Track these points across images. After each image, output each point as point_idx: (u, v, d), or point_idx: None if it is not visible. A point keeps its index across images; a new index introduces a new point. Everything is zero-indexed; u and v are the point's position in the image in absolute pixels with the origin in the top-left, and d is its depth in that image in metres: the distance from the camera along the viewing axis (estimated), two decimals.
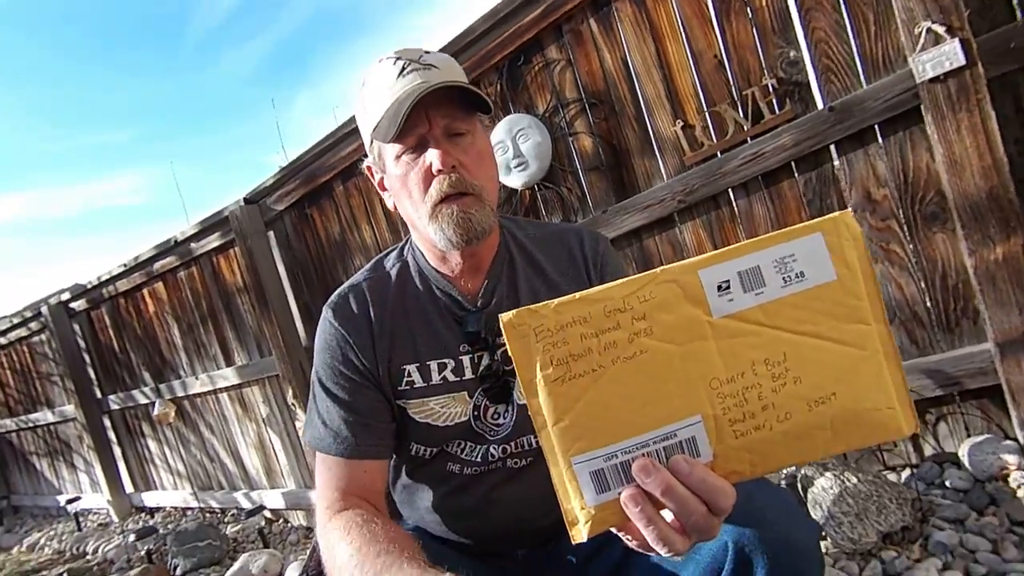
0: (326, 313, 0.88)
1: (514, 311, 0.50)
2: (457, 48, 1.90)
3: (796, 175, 1.56)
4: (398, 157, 0.81)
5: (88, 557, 3.64)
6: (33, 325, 4.34)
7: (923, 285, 1.47)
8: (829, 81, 1.48)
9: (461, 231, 0.79)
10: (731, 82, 1.60)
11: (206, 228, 2.84)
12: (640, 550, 0.52)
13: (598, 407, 0.49)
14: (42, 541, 4.30)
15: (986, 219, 1.30)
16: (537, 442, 0.76)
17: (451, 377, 0.85)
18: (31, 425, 4.90)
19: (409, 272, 0.91)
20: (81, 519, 4.38)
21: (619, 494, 0.49)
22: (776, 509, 0.70)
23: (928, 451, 1.54)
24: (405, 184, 0.81)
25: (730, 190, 1.65)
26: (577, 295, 0.50)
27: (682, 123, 1.67)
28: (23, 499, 5.43)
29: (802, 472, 1.54)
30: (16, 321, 4.44)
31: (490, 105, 0.82)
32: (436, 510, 0.90)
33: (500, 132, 1.93)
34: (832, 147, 1.50)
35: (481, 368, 0.85)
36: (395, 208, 0.88)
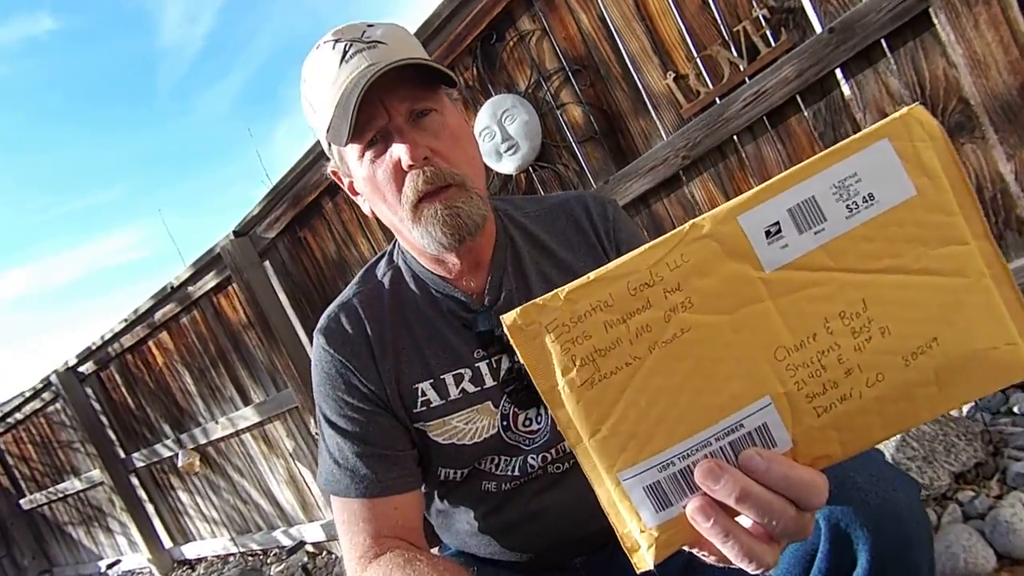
0: (318, 340, 0.79)
1: (517, 309, 0.41)
2: (425, 35, 1.81)
3: (803, 108, 1.46)
4: (360, 157, 0.71)
5: None
6: (46, 395, 4.28)
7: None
8: (824, 1, 1.38)
9: (450, 230, 0.69)
10: (719, 20, 1.50)
11: (200, 269, 2.77)
12: (721, 564, 0.43)
13: (641, 407, 0.40)
14: None
15: (1021, 117, 1.20)
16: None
17: (470, 388, 0.76)
18: (61, 495, 4.86)
19: (403, 278, 0.81)
20: None
21: (684, 508, 0.40)
22: (867, 472, 0.61)
23: None
24: (376, 187, 0.72)
25: (735, 136, 1.55)
26: (591, 276, 0.41)
27: (673, 74, 1.58)
28: (65, 570, 5.40)
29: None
30: (28, 395, 4.38)
31: (453, 77, 0.73)
32: (479, 532, 0.81)
33: (484, 117, 1.84)
34: (838, 71, 1.40)
35: (502, 372, 0.76)
36: (372, 213, 0.79)
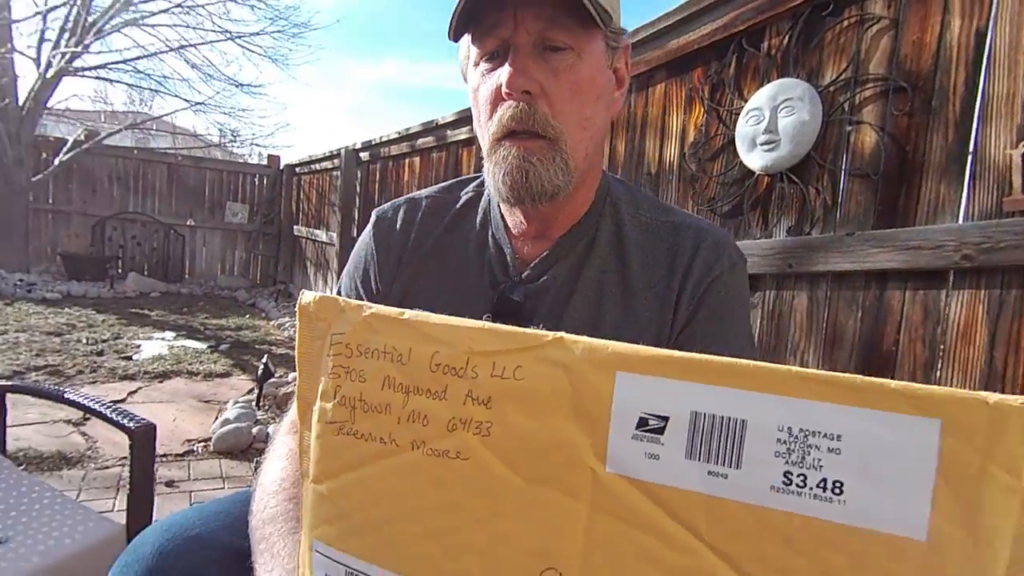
0: (372, 219, 0.78)
1: (318, 295, 0.33)
2: None
3: None
4: (476, 63, 0.63)
5: None
6: (336, 162, 5.29)
7: None
8: None
9: (511, 182, 0.60)
10: None
11: (459, 119, 3.00)
12: None
13: (371, 497, 0.30)
14: (287, 324, 5.45)
15: None
16: None
17: None
18: (312, 238, 6.13)
19: (477, 208, 0.74)
20: None
21: None
22: None
23: None
24: (476, 103, 0.64)
25: None
26: (407, 314, 0.31)
27: None
28: (293, 289, 6.95)
29: None
30: (326, 154, 5.47)
31: (614, 27, 0.58)
32: None
33: (762, 96, 1.55)
34: None
35: None
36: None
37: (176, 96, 7.67)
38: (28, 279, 5.98)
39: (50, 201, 6.76)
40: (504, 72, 0.59)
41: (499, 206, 0.71)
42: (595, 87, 0.62)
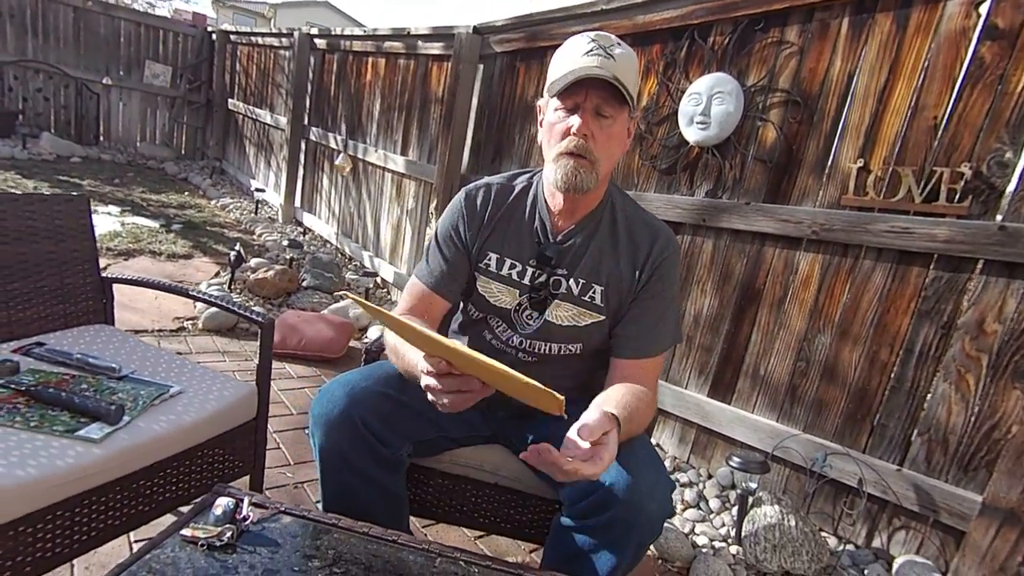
0: (462, 193, 1.20)
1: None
2: None
3: (931, 268, 1.56)
4: (556, 109, 1.05)
5: (253, 236, 4.70)
6: (284, 41, 5.15)
7: (971, 422, 1.50)
8: (1022, 200, 1.41)
9: (566, 179, 1.03)
10: (933, 149, 1.55)
11: (435, 35, 3.19)
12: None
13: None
14: (231, 206, 5.52)
15: None
16: (544, 348, 1.08)
17: (514, 276, 1.16)
18: (253, 117, 6.01)
19: (528, 193, 1.18)
20: (259, 206, 5.52)
21: None
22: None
23: (876, 543, 1.68)
24: (551, 129, 1.06)
25: (864, 248, 1.68)
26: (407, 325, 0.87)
27: (862, 163, 1.67)
28: (228, 167, 6.83)
29: (757, 494, 1.76)
30: (275, 32, 5.27)
31: (635, 108, 1.02)
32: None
33: (702, 84, 2.00)
34: (980, 262, 1.48)
35: (535, 281, 1.14)
36: (538, 140, 1.14)
37: None
38: None
39: None
40: (576, 120, 1.02)
41: (543, 193, 1.16)
42: (619, 138, 1.07)
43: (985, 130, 1.46)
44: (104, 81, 6.87)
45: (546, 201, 1.15)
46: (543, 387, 0.72)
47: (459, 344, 0.80)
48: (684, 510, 1.90)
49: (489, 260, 1.17)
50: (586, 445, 0.81)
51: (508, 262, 1.16)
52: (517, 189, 1.19)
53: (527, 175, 1.22)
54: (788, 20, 1.83)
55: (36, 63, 6.45)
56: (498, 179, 1.22)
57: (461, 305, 1.27)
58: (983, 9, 1.47)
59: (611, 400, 0.97)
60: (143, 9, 8.16)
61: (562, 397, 0.73)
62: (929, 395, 1.58)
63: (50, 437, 1.02)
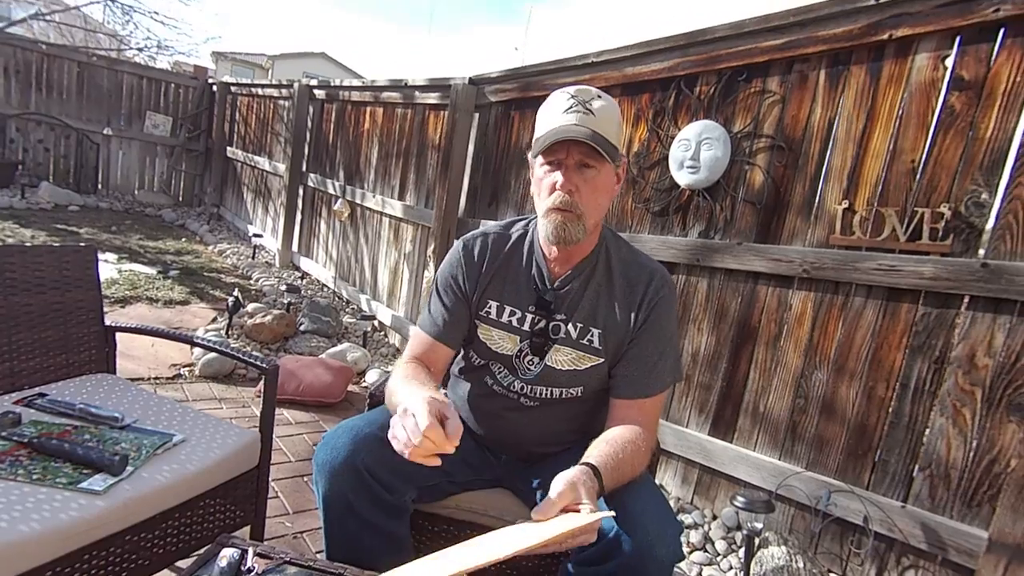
0: (459, 243, 1.23)
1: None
2: (688, 42, 2.02)
3: (919, 304, 1.60)
4: (541, 165, 1.09)
5: (250, 281, 4.73)
6: (284, 92, 5.30)
7: (971, 456, 1.51)
8: (1001, 239, 1.46)
9: (554, 234, 1.07)
10: (913, 190, 1.61)
11: (431, 86, 3.30)
12: None
13: None
14: (228, 251, 5.57)
15: None
16: (546, 392, 1.10)
17: (514, 323, 1.18)
18: (251, 164, 6.12)
19: (524, 241, 1.22)
20: (257, 251, 5.57)
21: None
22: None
23: None
24: (539, 184, 1.11)
25: (854, 285, 1.72)
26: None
27: (847, 204, 1.73)
28: (226, 213, 6.91)
29: (763, 534, 1.75)
30: (274, 83, 5.43)
31: (619, 157, 1.07)
32: (468, 401, 1.27)
33: (691, 130, 2.08)
34: (966, 298, 1.52)
35: (535, 327, 1.17)
36: (531, 192, 1.18)
37: None
38: None
39: None
40: (559, 176, 1.06)
41: (539, 242, 1.19)
42: (606, 187, 1.11)
43: (960, 173, 1.53)
44: (105, 132, 7.02)
45: (542, 248, 1.19)
46: (568, 527, 0.79)
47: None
48: (691, 553, 1.88)
49: (489, 308, 1.20)
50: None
51: (508, 309, 1.19)
52: (514, 237, 1.22)
53: (523, 222, 1.25)
54: (769, 71, 1.93)
55: (39, 115, 6.59)
56: (495, 228, 1.25)
57: (462, 352, 1.29)
58: (948, 63, 1.55)
59: (592, 452, 0.98)
60: (144, 62, 8.35)
61: (596, 516, 0.82)
62: (927, 430, 1.60)
63: (53, 490, 1.02)
